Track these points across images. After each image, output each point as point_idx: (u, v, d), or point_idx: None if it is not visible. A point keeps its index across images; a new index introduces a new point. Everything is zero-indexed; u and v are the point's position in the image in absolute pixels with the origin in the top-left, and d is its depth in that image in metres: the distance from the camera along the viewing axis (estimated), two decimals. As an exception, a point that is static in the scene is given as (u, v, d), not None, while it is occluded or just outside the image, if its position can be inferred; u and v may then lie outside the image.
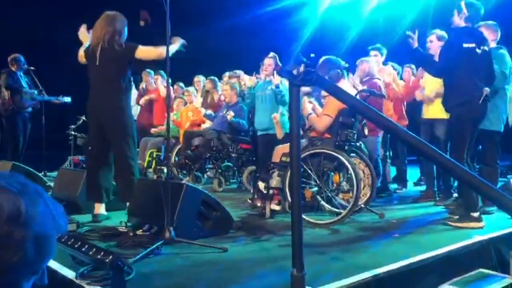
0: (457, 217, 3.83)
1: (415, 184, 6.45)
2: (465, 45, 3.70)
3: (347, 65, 4.24)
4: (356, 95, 3.92)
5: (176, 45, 3.73)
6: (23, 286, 0.86)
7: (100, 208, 3.88)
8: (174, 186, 3.26)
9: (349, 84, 4.40)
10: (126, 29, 3.91)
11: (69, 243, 2.44)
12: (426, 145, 2.08)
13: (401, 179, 6.10)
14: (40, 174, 6.05)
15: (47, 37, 9.19)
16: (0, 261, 0.81)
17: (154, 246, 2.82)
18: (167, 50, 3.18)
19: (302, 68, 2.14)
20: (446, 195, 4.92)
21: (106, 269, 2.21)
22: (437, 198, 5.02)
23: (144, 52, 3.79)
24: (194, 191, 3.35)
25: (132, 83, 8.17)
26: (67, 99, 7.40)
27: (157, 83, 7.67)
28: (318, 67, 4.20)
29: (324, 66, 4.08)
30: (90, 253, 2.25)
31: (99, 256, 2.20)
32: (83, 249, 2.32)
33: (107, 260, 2.14)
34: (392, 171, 6.27)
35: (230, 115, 5.99)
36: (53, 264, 2.57)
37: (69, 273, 2.41)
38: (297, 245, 2.18)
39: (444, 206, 4.66)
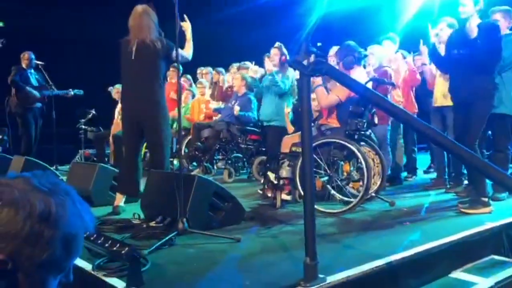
0: (467, 204, 3.83)
1: (425, 172, 6.45)
2: None
3: (365, 52, 4.22)
4: (365, 83, 3.91)
5: (189, 44, 3.88)
6: (50, 283, 0.90)
7: (121, 200, 3.94)
8: (186, 178, 3.30)
9: (363, 72, 4.38)
10: (157, 21, 3.93)
11: (85, 235, 2.49)
12: (436, 132, 2.08)
13: (411, 167, 6.10)
14: (52, 168, 6.13)
15: (57, 31, 9.23)
16: (30, 259, 0.84)
17: (168, 237, 2.85)
18: (176, 44, 3.19)
19: (312, 58, 2.14)
20: (457, 182, 4.92)
21: (122, 261, 2.25)
22: (448, 186, 5.02)
23: (179, 56, 3.77)
24: (206, 182, 3.38)
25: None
26: (79, 92, 7.45)
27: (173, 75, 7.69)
28: (337, 51, 4.19)
29: (342, 51, 4.08)
30: (106, 245, 2.30)
31: (115, 248, 2.25)
32: (99, 241, 2.37)
33: (123, 252, 2.18)
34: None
35: (236, 109, 6.01)
36: (70, 256, 2.62)
37: (86, 265, 2.45)
38: (310, 234, 2.21)
39: (455, 193, 4.66)
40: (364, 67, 5.12)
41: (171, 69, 7.65)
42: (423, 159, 6.59)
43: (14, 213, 0.82)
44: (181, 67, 7.58)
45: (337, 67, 4.24)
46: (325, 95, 4.05)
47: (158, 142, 3.89)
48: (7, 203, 0.82)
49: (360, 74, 4.05)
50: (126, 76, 3.94)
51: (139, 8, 3.90)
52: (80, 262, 2.52)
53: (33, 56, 7.14)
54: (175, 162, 7.31)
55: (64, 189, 0.91)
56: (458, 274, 2.79)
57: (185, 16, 3.90)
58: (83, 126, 8.05)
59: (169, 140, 4.03)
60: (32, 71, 7.21)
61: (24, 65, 7.08)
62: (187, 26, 3.92)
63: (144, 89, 3.85)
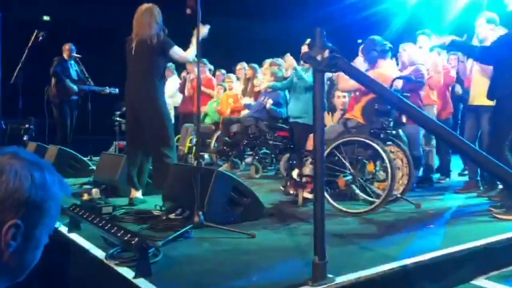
0: (503, 209, 3.66)
1: (460, 174, 6.21)
2: None
3: (389, 45, 4.10)
4: (393, 81, 3.81)
5: (193, 47, 3.87)
6: (44, 241, 1.05)
7: (137, 192, 4.01)
8: (205, 172, 3.32)
9: (392, 65, 4.25)
10: (161, 20, 3.99)
11: (100, 225, 2.55)
12: (454, 136, 1.99)
13: (444, 169, 5.89)
14: (85, 159, 6.32)
15: (97, 26, 9.50)
16: (35, 221, 1.00)
17: (183, 230, 2.88)
18: (197, 38, 3.21)
19: (326, 53, 2.09)
20: (491, 186, 4.70)
21: (131, 251, 2.28)
22: (481, 189, 4.81)
23: (176, 54, 3.96)
24: (225, 177, 3.38)
25: (175, 71, 8.39)
26: (114, 90, 7.65)
27: (203, 70, 7.77)
28: (362, 48, 4.09)
29: (365, 48, 4.00)
30: (118, 234, 2.34)
31: (126, 238, 2.28)
32: (112, 231, 2.41)
33: (133, 242, 2.22)
34: (436, 161, 6.06)
35: (269, 102, 5.99)
36: (85, 243, 2.69)
37: (100, 253, 2.50)
38: (319, 233, 2.17)
39: (488, 197, 4.46)
40: (397, 59, 4.98)
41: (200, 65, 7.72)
42: (457, 161, 6.35)
43: (19, 183, 0.95)
44: (207, 62, 7.68)
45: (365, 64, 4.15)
46: (347, 78, 3.97)
47: (155, 138, 3.94)
48: (11, 177, 0.95)
49: (387, 69, 3.93)
50: (128, 73, 4.07)
51: (143, 6, 4.01)
52: (95, 251, 2.59)
53: (73, 47, 7.37)
54: (206, 156, 7.41)
55: (43, 161, 1.05)
56: (480, 282, 2.66)
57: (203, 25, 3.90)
58: (118, 119, 8.23)
59: (170, 135, 4.05)
60: (73, 62, 7.45)
61: (65, 56, 7.33)
62: (202, 30, 3.91)
63: (142, 85, 3.94)
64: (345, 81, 3.99)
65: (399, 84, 4.02)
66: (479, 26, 4.47)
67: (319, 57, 2.12)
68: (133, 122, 4.09)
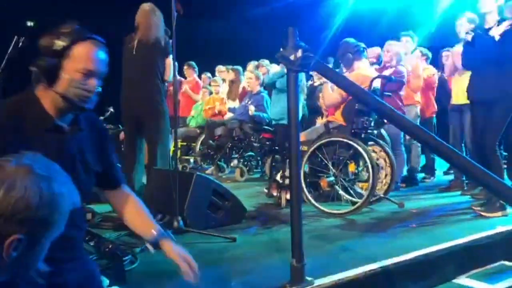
0: (486, 206, 3.67)
1: (445, 173, 6.23)
2: None
3: (363, 45, 4.12)
4: (373, 80, 3.80)
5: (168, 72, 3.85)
6: (47, 247, 1.09)
7: None
8: (184, 176, 3.28)
9: (367, 65, 4.25)
10: (163, 21, 3.94)
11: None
12: (431, 137, 1.97)
13: (429, 168, 5.91)
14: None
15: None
16: (40, 234, 1.04)
17: (161, 236, 2.82)
18: (173, 39, 3.17)
19: (299, 53, 2.06)
20: (474, 184, 4.71)
21: (106, 258, 2.23)
22: (465, 188, 4.83)
23: (167, 63, 3.90)
24: (205, 180, 3.34)
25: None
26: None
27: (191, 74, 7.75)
28: (338, 50, 4.10)
29: (339, 51, 3.99)
30: (92, 242, 2.28)
31: (100, 245, 2.23)
32: (87, 238, 2.35)
33: (106, 250, 2.17)
34: (422, 160, 6.07)
35: (251, 110, 5.96)
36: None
37: (75, 262, 2.44)
38: (296, 235, 2.14)
39: (472, 195, 4.47)
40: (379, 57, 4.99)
41: (185, 67, 7.68)
42: (442, 160, 6.36)
43: (27, 201, 0.98)
44: (194, 65, 7.63)
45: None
46: (329, 93, 3.96)
47: (153, 139, 3.88)
48: (20, 193, 0.98)
49: (364, 69, 3.93)
50: (126, 72, 3.96)
51: (146, 6, 3.93)
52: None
53: None
54: (191, 160, 7.36)
55: (57, 169, 1.09)
56: (462, 280, 2.66)
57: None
58: (103, 124, 8.14)
59: (167, 137, 3.98)
60: None
61: None
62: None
63: (142, 85, 3.86)
64: (328, 96, 3.99)
65: (378, 84, 4.01)
66: (460, 25, 4.48)
67: (292, 57, 2.09)
68: (129, 123, 4.00)
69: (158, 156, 3.85)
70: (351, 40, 4.11)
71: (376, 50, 5.22)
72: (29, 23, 10.90)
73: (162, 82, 3.97)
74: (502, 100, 3.58)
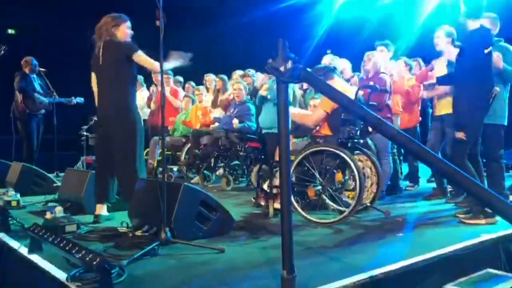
0: (470, 214, 3.72)
1: (428, 181, 6.31)
2: (486, 51, 3.64)
3: (331, 66, 4.26)
4: (357, 90, 3.84)
5: (170, 64, 3.77)
6: None
7: (102, 209, 3.88)
8: (172, 186, 3.24)
9: (341, 82, 4.32)
10: (126, 28, 3.90)
11: (61, 245, 2.45)
12: (414, 142, 2.00)
13: (413, 176, 5.97)
14: (51, 175, 6.13)
15: (57, 38, 9.31)
16: None
17: (148, 248, 2.79)
18: (161, 48, 3.15)
19: (289, 64, 2.07)
20: (458, 192, 4.78)
21: (93, 272, 2.19)
22: (449, 196, 4.89)
23: (140, 58, 3.80)
24: (193, 191, 3.31)
25: (143, 83, 8.28)
26: (80, 100, 7.50)
27: (168, 82, 7.67)
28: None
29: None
30: (79, 255, 2.24)
31: (87, 259, 2.19)
32: (73, 251, 2.31)
33: (94, 263, 2.13)
34: (404, 168, 6.14)
35: (235, 123, 5.94)
36: (45, 265, 2.58)
37: (61, 275, 2.40)
38: (287, 247, 2.13)
39: (455, 203, 4.54)
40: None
41: (164, 75, 7.62)
42: (426, 168, 6.44)
43: None
44: (171, 73, 7.59)
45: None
46: (308, 115, 4.05)
47: (121, 150, 3.81)
48: None
49: (339, 87, 3.99)
50: (97, 83, 3.96)
51: (104, 17, 3.93)
52: (56, 272, 2.48)
53: (35, 62, 7.16)
54: (175, 169, 7.30)
55: None
56: (449, 289, 2.68)
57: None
58: (85, 133, 8.05)
59: (138, 146, 3.86)
60: (35, 76, 7.23)
61: (27, 70, 7.09)
62: (173, 57, 3.82)
63: (109, 93, 3.83)
64: (309, 116, 4.09)
65: (363, 94, 4.06)
66: (437, 37, 4.56)
67: (282, 68, 2.11)
68: (102, 134, 3.94)
69: (131, 168, 3.79)
70: (318, 66, 4.19)
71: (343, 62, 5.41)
72: (10, 31, 10.76)
73: (132, 88, 3.90)
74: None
